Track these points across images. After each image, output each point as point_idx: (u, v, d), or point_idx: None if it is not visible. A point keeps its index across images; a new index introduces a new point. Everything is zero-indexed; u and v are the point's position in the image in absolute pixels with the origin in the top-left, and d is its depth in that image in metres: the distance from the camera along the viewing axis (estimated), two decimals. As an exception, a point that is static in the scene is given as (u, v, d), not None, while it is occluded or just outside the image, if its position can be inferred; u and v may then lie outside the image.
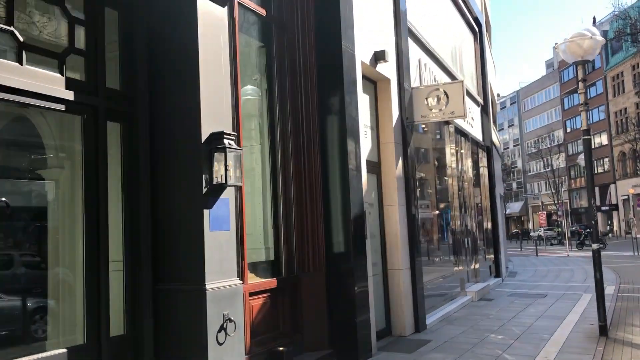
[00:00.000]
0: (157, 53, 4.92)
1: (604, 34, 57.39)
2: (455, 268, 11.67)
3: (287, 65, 6.43)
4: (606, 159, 59.09)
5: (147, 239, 4.78)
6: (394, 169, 8.04)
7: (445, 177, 12.05)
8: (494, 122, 22.84)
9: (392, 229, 7.99)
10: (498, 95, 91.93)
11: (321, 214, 6.38)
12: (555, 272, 19.14)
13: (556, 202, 58.52)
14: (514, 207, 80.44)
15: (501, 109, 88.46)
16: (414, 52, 9.79)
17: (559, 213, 49.52)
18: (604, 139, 60.03)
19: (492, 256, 15.64)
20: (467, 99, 13.66)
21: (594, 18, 73.27)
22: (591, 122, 61.50)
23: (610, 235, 54.55)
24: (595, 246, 7.89)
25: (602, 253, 27.28)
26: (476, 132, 14.78)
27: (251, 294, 5.44)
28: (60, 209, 4.68)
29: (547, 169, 65.87)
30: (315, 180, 6.39)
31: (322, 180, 6.41)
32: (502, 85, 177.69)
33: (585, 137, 8.06)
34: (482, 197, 15.58)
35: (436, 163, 12.32)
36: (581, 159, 25.31)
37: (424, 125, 11.42)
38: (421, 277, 8.53)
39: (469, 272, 12.71)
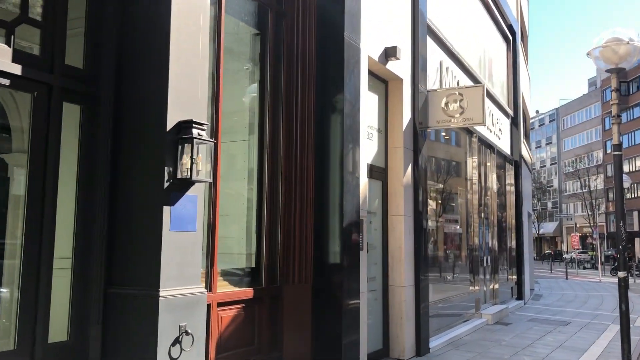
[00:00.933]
0: (126, 31, 4.44)
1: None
2: (471, 287, 10.91)
3: (284, 56, 5.89)
4: (647, 183, 56.89)
5: (102, 236, 4.27)
6: (401, 177, 7.40)
7: (465, 190, 11.31)
8: (527, 136, 21.89)
9: (396, 242, 7.34)
10: (537, 111, 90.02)
11: (311, 221, 5.80)
12: (584, 297, 18.08)
13: (591, 224, 56.48)
14: (548, 227, 78.18)
15: (539, 125, 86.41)
16: (435, 54, 9.14)
17: (594, 236, 47.76)
18: (645, 161, 57.85)
19: (515, 277, 14.75)
20: (494, 109, 12.95)
21: (642, 37, 70.90)
22: (633, 143, 59.66)
23: (647, 262, 52.33)
24: (621, 274, 7.08)
25: (638, 281, 25.93)
26: (504, 145, 13.98)
27: (221, 305, 4.88)
28: None
29: (584, 190, 63.74)
30: (307, 183, 5.81)
31: (314, 183, 5.83)
32: (541, 101, 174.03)
33: (616, 152, 7.28)
34: (507, 214, 14.73)
35: (456, 174, 11.60)
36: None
37: (444, 133, 10.76)
38: (427, 295, 7.85)
39: (486, 293, 11.92)
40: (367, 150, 6.99)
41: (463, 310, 10.44)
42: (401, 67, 7.48)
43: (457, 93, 8.01)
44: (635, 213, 59.01)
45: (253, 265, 5.58)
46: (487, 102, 12.22)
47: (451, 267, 10.85)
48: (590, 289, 22.16)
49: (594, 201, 62.15)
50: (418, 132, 7.85)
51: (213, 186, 4.86)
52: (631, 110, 62.19)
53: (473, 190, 11.31)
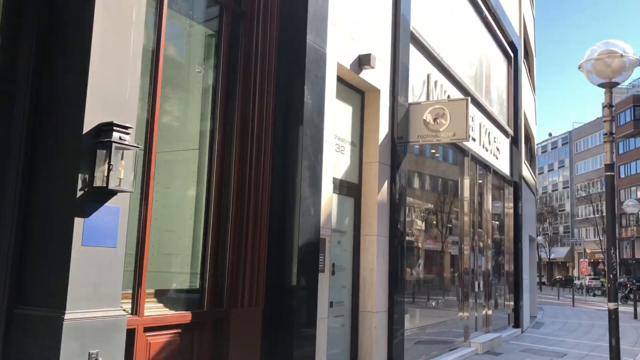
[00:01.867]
0: (47, 24, 4.03)
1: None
2: (460, 314, 10.31)
3: (241, 59, 5.45)
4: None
5: (9, 250, 3.82)
6: (376, 194, 6.91)
7: (458, 211, 10.77)
8: (531, 158, 21.29)
9: (368, 264, 6.83)
10: (550, 134, 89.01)
11: (265, 239, 5.31)
12: (587, 327, 17.32)
13: (603, 250, 55.26)
14: (560, 252, 76.79)
15: (552, 148, 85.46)
16: (422, 66, 8.69)
17: (605, 262, 46.64)
18: (660, 187, 56.77)
19: (512, 304, 14.09)
20: (492, 127, 12.44)
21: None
22: (646, 168, 58.47)
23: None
24: (612, 305, 6.49)
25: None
26: (502, 165, 13.43)
27: (149, 330, 4.39)
28: None
29: (597, 215, 62.56)
30: (262, 197, 5.33)
31: (270, 198, 5.35)
32: (554, 124, 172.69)
33: (608, 173, 6.73)
34: (505, 238, 14.13)
35: (447, 194, 11.08)
36: (627, 206, 23.29)
37: (433, 150, 10.26)
38: (402, 322, 7.29)
39: (477, 320, 11.30)
40: (337, 164, 6.52)
41: (450, 337, 9.84)
42: (378, 77, 7.03)
43: (440, 107, 7.53)
44: (649, 240, 57.71)
45: (196, 286, 5.09)
46: (484, 119, 11.73)
47: (438, 291, 10.28)
48: (596, 317, 21.32)
49: (605, 227, 60.83)
50: (397, 147, 7.36)
51: (144, 198, 4.40)
52: (642, 135, 61.24)
53: (466, 211, 10.76)
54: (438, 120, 7.47)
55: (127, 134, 3.92)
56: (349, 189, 6.77)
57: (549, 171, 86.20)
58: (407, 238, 9.43)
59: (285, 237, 5.28)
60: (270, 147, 5.41)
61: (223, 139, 5.26)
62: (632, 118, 62.40)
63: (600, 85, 6.93)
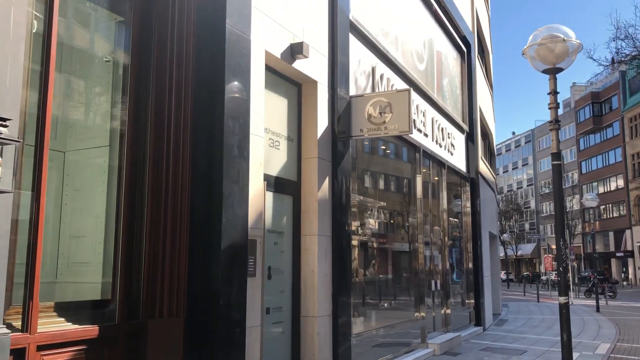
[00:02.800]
0: None
1: (622, 74, 55.80)
2: (417, 314, 9.99)
3: (155, 47, 4.99)
4: (622, 204, 56.89)
5: None
6: (316, 191, 6.52)
7: (410, 209, 10.47)
8: (491, 155, 21.24)
9: (309, 266, 6.43)
10: (513, 133, 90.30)
11: (186, 242, 4.86)
12: (550, 321, 17.24)
13: (567, 246, 56.06)
14: (526, 249, 77.80)
15: (516, 147, 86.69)
16: (366, 58, 8.36)
17: (571, 257, 47.30)
18: (620, 182, 57.99)
19: (473, 302, 13.87)
20: (446, 122, 12.20)
21: (613, 58, 71.68)
22: (607, 164, 59.77)
23: (625, 283, 51.90)
24: (562, 299, 6.23)
25: (611, 303, 25.22)
26: (457, 162, 13.22)
27: (45, 348, 3.89)
28: None
29: (560, 211, 63.42)
30: (182, 197, 4.88)
31: (190, 197, 4.91)
32: (518, 123, 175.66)
33: (555, 162, 6.49)
34: (464, 235, 13.91)
35: (399, 191, 10.79)
36: (586, 200, 23.45)
37: (384, 146, 9.95)
38: (349, 326, 6.91)
39: (435, 319, 11.00)
40: (271, 160, 6.12)
41: (407, 339, 9.50)
42: (315, 69, 6.65)
43: (382, 99, 7.19)
44: (611, 234, 58.87)
45: (108, 297, 4.61)
46: (436, 114, 11.48)
47: (393, 292, 9.96)
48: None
49: (569, 222, 61.86)
50: (338, 142, 7.00)
51: (35, 200, 3.92)
52: (604, 131, 62.47)
53: (420, 209, 10.46)
54: (381, 113, 7.14)
55: (6, 126, 3.44)
56: (287, 186, 6.37)
57: (513, 169, 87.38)
58: (359, 238, 9.11)
59: (207, 240, 4.84)
60: (189, 142, 4.97)
61: (135, 135, 4.79)
62: (591, 114, 63.66)
63: (544, 72, 6.69)
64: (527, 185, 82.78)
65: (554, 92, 6.59)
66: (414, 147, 10.41)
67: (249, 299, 5.16)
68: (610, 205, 61.19)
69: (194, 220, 4.90)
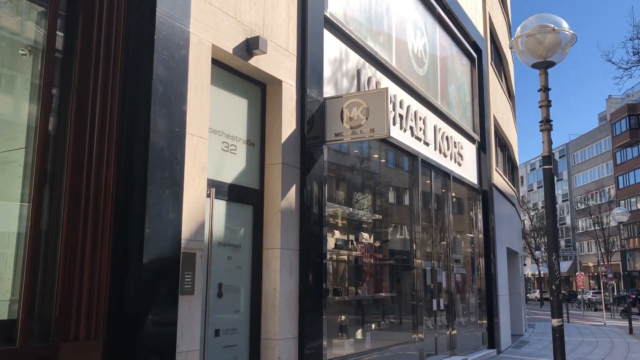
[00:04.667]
0: None
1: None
2: (413, 335, 9.24)
3: (79, 40, 4.53)
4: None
5: None
6: (279, 200, 5.93)
7: (406, 221, 9.78)
8: (512, 167, 20.30)
9: (271, 282, 5.82)
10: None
11: (108, 255, 4.33)
12: (575, 344, 16.16)
13: (605, 263, 53.82)
14: (562, 267, 75.29)
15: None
16: (350, 59, 7.79)
17: (609, 275, 45.27)
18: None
19: (486, 322, 12.98)
20: (452, 131, 11.50)
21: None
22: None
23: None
24: (555, 322, 5.46)
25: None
26: (466, 173, 12.45)
27: None
28: None
29: (597, 227, 61.20)
30: (105, 204, 4.36)
31: (113, 205, 4.38)
32: (552, 137, 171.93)
33: (546, 166, 5.77)
34: (476, 251, 13.08)
35: (394, 202, 10.13)
36: (616, 214, 22.17)
37: (376, 155, 9.34)
38: (320, 350, 6.25)
39: (438, 341, 10.21)
40: (225, 166, 5.58)
41: (402, 364, 8.76)
42: (279, 67, 6.11)
43: (359, 100, 6.59)
44: (651, 250, 56.32)
45: (14, 316, 4.09)
46: (439, 122, 10.84)
47: (386, 311, 9.27)
48: (588, 334, 20.12)
49: (606, 239, 59.50)
50: (308, 147, 6.42)
51: None
52: (638, 146, 60.23)
53: (419, 222, 9.75)
54: (357, 116, 6.54)
55: None
56: (246, 195, 5.80)
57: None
58: (349, 252, 8.48)
59: (130, 254, 4.30)
60: (115, 143, 4.46)
61: (53, 134, 4.31)
62: (628, 127, 61.48)
63: (534, 66, 6.03)
64: (562, 201, 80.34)
65: (545, 89, 5.90)
66: (412, 156, 9.73)
67: (184, 319, 4.58)
68: (649, 221, 58.70)
69: (117, 230, 4.37)
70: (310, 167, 6.41)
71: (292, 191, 6.12)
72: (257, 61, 5.76)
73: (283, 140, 6.05)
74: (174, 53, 4.66)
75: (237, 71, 5.78)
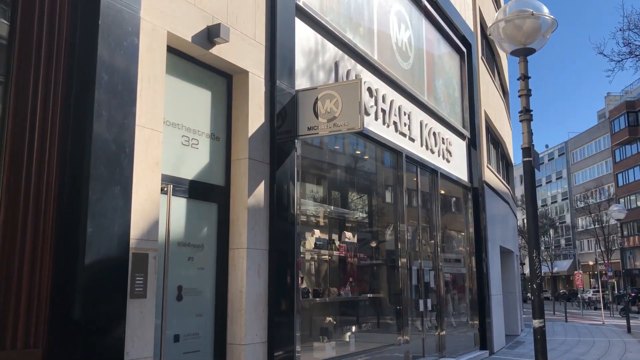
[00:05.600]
0: None
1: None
2: (399, 337, 8.92)
3: (19, 23, 4.22)
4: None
5: None
6: (245, 197, 5.63)
7: (393, 220, 9.47)
8: (507, 165, 19.99)
9: (237, 284, 5.51)
10: (547, 146, 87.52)
11: (49, 258, 4.02)
12: (572, 343, 15.84)
13: (605, 261, 53.46)
14: (562, 266, 74.91)
15: (549, 160, 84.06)
16: (327, 51, 7.49)
17: (609, 274, 44.91)
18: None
19: (478, 322, 12.65)
20: (439, 127, 11.21)
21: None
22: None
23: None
24: (537, 323, 5.16)
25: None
26: (455, 170, 12.14)
27: None
28: None
29: (596, 226, 60.88)
30: (47, 202, 4.06)
31: (56, 203, 4.08)
32: (550, 136, 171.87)
33: (526, 158, 5.47)
34: (467, 250, 12.77)
35: (377, 200, 9.84)
36: (612, 211, 21.84)
37: (358, 151, 9.04)
38: (292, 355, 5.94)
39: (425, 343, 9.89)
40: (186, 161, 5.27)
41: (386, 367, 8.46)
42: (246, 57, 5.80)
43: (332, 92, 6.29)
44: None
45: (-58, 323, 3.79)
46: (426, 117, 10.55)
47: (369, 313, 8.96)
48: (586, 333, 19.80)
49: (606, 237, 59.16)
50: (278, 142, 6.11)
51: None
52: (637, 144, 59.90)
53: (406, 221, 9.43)
54: (330, 108, 6.23)
55: None
56: (209, 192, 5.50)
57: (547, 183, 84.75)
58: (330, 252, 8.19)
59: (73, 255, 3.99)
60: (57, 137, 4.15)
61: (-14, 127, 4.01)
62: (627, 125, 61.16)
63: (513, 54, 5.74)
64: (562, 200, 79.97)
65: (525, 77, 5.61)
66: (396, 152, 9.43)
67: (134, 324, 4.28)
68: (649, 218, 58.39)
69: (59, 230, 4.06)
70: (281, 163, 6.10)
71: (261, 188, 5.81)
72: (220, 50, 5.45)
73: (250, 134, 5.75)
74: (121, 40, 4.35)
75: (198, 61, 5.48)
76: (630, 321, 20.80)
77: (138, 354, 4.29)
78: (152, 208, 4.56)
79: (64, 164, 4.15)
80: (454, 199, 12.63)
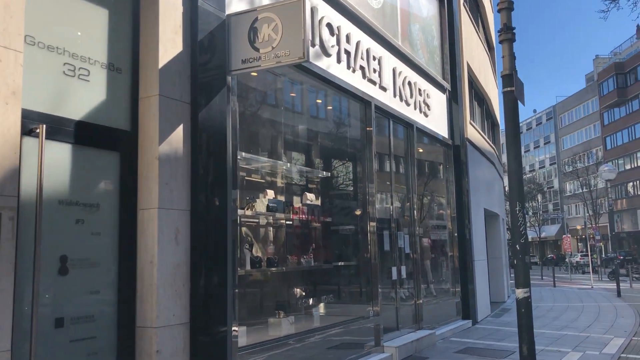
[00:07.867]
0: None
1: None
2: (368, 308, 7.91)
3: None
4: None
5: None
6: (156, 145, 4.47)
7: (358, 179, 8.37)
8: (493, 125, 18.91)
9: (147, 253, 4.39)
10: (534, 110, 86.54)
11: None
12: (560, 310, 15.02)
13: (592, 225, 53.04)
14: (550, 231, 74.77)
15: (537, 125, 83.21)
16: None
17: (597, 237, 44.45)
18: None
19: (460, 290, 11.70)
20: (417, 77, 10.08)
21: (638, 26, 67.66)
22: (633, 138, 56.38)
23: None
24: (520, 292, 4.10)
25: (636, 286, 22.78)
26: (434, 125, 11.01)
27: None
28: None
29: (584, 190, 60.38)
30: None
31: None
32: (539, 100, 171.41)
33: (507, 88, 4.33)
34: (447, 213, 11.74)
35: (347, 158, 8.74)
36: (603, 171, 20.89)
37: (319, 100, 7.88)
38: (223, 338, 4.87)
39: (399, 315, 8.91)
40: (69, 95, 4.09)
41: (353, 342, 7.44)
42: (155, -32, 4.58)
43: (270, 15, 5.09)
44: None
45: None
46: (400, 64, 9.40)
47: (336, 282, 7.94)
48: (574, 298, 19.04)
49: (594, 201, 58.72)
50: (201, 76, 4.93)
51: None
52: (630, 104, 59.00)
53: (375, 180, 8.32)
54: (268, 35, 5.05)
55: None
56: (107, 137, 4.33)
57: (535, 148, 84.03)
58: (293, 217, 7.17)
59: None
60: None
61: None
62: (615, 87, 60.19)
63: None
64: (550, 165, 79.33)
65: (509, 29, 4.43)
66: (364, 101, 8.26)
67: (-23, 309, 3.16)
68: (638, 182, 57.91)
69: None
70: (207, 103, 4.93)
71: (178, 132, 4.65)
72: (116, -45, 4.23)
73: (161, 64, 4.56)
74: None
75: (88, -31, 4.25)
76: (620, 284, 20.04)
77: (-16, 347, 3.19)
78: (8, 153, 3.40)
79: None
80: (433, 157, 11.54)
